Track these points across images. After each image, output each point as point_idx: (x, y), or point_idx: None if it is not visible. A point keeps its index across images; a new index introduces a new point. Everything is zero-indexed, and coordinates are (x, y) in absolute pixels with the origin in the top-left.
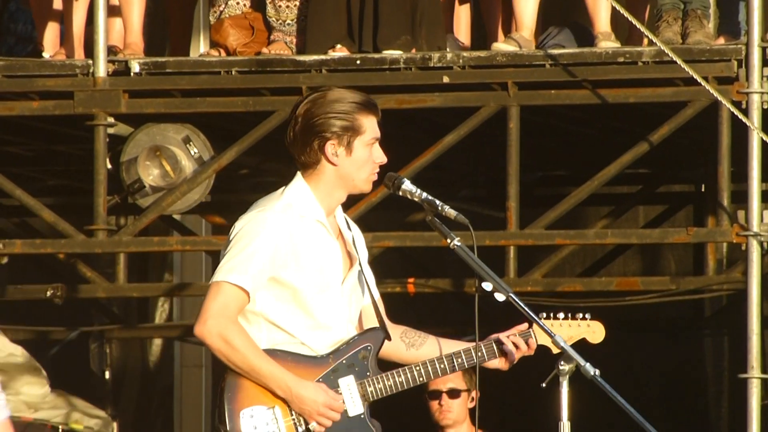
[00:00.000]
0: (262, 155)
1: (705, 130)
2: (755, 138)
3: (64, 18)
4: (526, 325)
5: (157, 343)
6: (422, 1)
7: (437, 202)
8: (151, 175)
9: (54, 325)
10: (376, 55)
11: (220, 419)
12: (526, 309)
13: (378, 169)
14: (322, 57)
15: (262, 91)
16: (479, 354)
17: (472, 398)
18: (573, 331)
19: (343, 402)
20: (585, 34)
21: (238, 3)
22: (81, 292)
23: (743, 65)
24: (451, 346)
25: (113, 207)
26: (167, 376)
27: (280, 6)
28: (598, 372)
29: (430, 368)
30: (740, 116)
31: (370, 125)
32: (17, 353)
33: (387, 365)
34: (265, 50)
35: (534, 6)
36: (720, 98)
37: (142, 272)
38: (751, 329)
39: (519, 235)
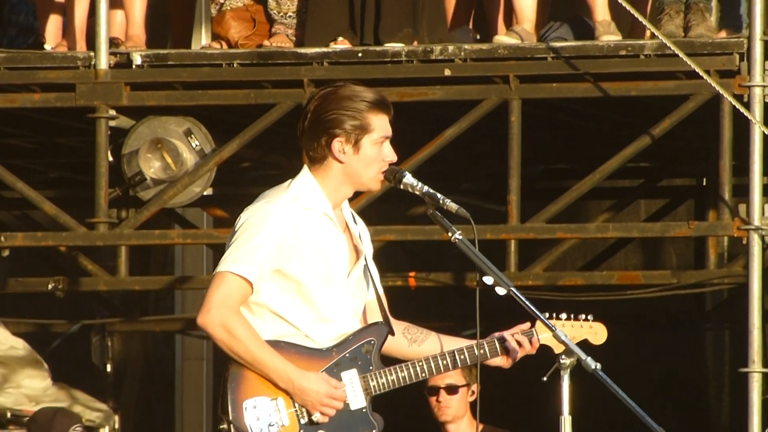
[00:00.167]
0: (263, 148)
1: (706, 124)
2: (757, 132)
3: (66, 10)
4: (528, 324)
5: (159, 336)
6: None
7: (438, 195)
8: (152, 167)
9: (55, 318)
10: (378, 48)
11: (223, 409)
12: (527, 303)
13: (387, 168)
14: (324, 49)
15: (264, 83)
16: (482, 351)
17: (473, 392)
18: (575, 331)
19: (344, 392)
20: (587, 28)
21: None
22: (82, 285)
23: (745, 59)
24: (453, 342)
25: (114, 200)
26: (169, 369)
27: None
28: (599, 366)
29: (432, 364)
30: (742, 110)
31: (379, 124)
32: (19, 346)
33: (389, 361)
34: (266, 43)
35: None
36: (722, 92)
37: (143, 265)
38: (752, 323)
39: (520, 229)
